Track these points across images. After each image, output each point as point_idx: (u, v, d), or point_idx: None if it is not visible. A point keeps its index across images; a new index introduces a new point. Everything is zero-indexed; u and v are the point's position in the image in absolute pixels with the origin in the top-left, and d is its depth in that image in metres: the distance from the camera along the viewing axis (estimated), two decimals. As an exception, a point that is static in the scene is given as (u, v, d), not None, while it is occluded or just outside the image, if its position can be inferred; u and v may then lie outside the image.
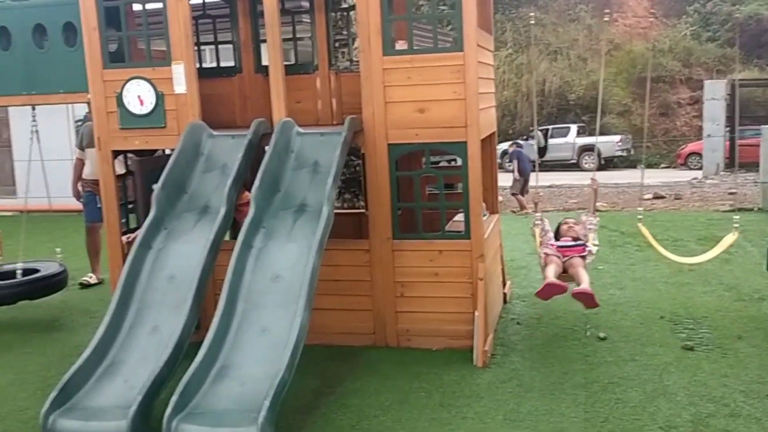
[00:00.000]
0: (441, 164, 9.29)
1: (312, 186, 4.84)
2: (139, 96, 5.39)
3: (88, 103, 5.97)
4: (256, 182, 4.67)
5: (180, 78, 5.33)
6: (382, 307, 5.36)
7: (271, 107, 6.59)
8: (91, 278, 7.73)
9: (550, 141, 26.49)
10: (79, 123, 16.84)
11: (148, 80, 5.37)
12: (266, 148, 4.98)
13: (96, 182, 6.54)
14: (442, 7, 6.23)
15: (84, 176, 7.57)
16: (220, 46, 6.63)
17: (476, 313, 5.08)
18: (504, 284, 6.59)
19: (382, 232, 5.28)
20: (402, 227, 5.34)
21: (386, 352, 5.32)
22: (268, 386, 3.65)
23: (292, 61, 6.98)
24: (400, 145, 5.18)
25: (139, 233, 4.58)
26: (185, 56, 5.30)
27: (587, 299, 5.00)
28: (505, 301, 6.47)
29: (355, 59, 6.49)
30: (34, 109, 6.08)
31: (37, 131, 6.14)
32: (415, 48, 5.15)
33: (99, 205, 6.60)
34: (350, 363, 5.12)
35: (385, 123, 5.14)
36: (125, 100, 5.40)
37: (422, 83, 5.04)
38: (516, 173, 14.64)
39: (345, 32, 7.41)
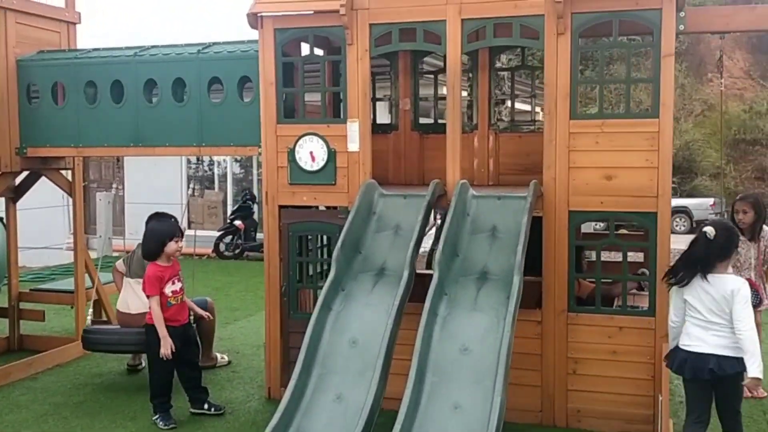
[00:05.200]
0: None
1: (493, 252, 4.63)
2: (311, 152, 5.35)
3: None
4: (439, 246, 4.50)
5: (354, 136, 5.27)
6: (551, 383, 5.05)
7: (423, 166, 6.57)
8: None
9: None
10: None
11: (322, 137, 5.32)
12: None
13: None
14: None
15: (119, 308, 6.03)
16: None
17: (660, 397, 4.70)
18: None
19: (558, 304, 5.00)
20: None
21: (554, 431, 5.00)
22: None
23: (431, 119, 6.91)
24: (582, 212, 4.93)
25: (321, 294, 4.46)
26: (361, 114, 5.24)
27: None
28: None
29: (517, 119, 6.32)
30: (118, 161, 6.21)
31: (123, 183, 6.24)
32: (605, 112, 4.92)
33: None
34: (516, 441, 4.82)
35: (567, 189, 4.91)
36: (297, 156, 5.37)
37: (612, 149, 4.80)
38: None
39: (499, 91, 7.27)
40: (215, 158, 17.76)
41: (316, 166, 5.35)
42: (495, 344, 4.02)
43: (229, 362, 6.64)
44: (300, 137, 5.36)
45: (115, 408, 5.47)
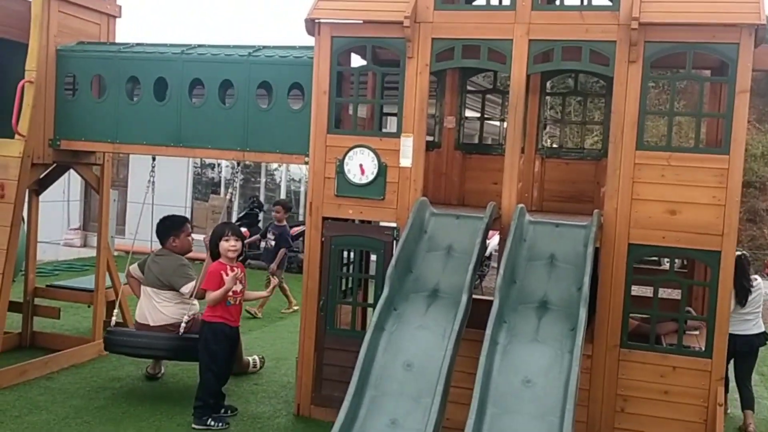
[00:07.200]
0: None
1: (552, 281, 4.47)
2: (361, 165, 5.19)
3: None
4: (500, 272, 4.34)
5: (408, 151, 5.11)
6: (598, 420, 4.88)
7: (464, 186, 6.41)
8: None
9: None
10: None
11: (373, 150, 5.16)
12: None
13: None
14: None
15: (138, 319, 5.83)
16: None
17: (712, 443, 4.55)
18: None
19: (610, 339, 4.84)
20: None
21: (597, 470, 4.83)
22: None
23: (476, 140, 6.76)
24: (643, 246, 4.77)
25: (374, 314, 4.28)
26: (417, 130, 5.08)
27: None
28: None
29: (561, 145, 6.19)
30: (154, 159, 6.05)
31: (153, 181, 6.04)
32: (673, 146, 4.79)
33: None
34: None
35: (628, 221, 4.76)
36: (346, 168, 5.20)
37: (677, 183, 4.66)
38: None
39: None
40: (223, 162, 17.54)
41: (365, 180, 5.19)
42: (560, 378, 3.85)
43: (263, 365, 6.60)
44: (350, 149, 5.19)
45: (139, 416, 5.25)
